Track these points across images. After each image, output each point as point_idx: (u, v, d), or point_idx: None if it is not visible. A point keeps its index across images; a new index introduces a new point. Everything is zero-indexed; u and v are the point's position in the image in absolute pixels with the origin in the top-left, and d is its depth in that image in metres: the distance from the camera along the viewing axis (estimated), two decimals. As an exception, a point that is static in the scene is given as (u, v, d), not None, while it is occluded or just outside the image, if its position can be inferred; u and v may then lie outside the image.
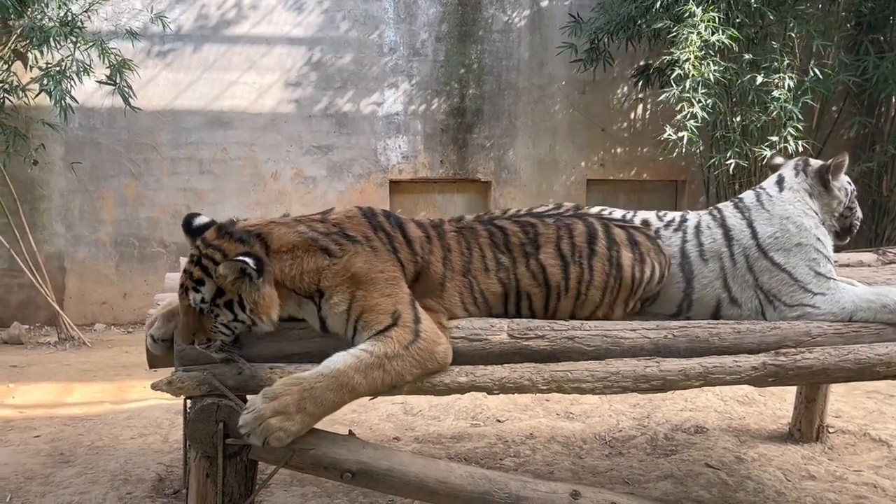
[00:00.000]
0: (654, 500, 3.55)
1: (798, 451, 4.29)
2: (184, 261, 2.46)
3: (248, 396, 2.31)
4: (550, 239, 2.83)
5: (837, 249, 3.26)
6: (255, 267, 2.29)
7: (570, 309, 2.82)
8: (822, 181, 3.13)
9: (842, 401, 5.07)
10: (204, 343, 2.36)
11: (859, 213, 3.29)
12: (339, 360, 2.32)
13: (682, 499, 3.67)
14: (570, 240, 2.83)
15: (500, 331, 2.63)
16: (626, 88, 9.10)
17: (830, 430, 4.49)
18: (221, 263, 2.31)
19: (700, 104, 6.89)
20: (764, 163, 7.26)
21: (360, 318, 2.43)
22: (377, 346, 2.37)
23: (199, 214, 2.52)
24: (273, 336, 2.49)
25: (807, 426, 4.41)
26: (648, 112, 9.10)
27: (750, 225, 3.05)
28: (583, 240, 2.84)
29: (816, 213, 3.09)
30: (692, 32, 6.80)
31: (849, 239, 3.29)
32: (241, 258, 2.29)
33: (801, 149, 6.94)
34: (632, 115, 9.21)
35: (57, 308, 7.70)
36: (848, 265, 3.81)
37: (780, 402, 5.04)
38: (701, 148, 7.80)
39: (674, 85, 7.07)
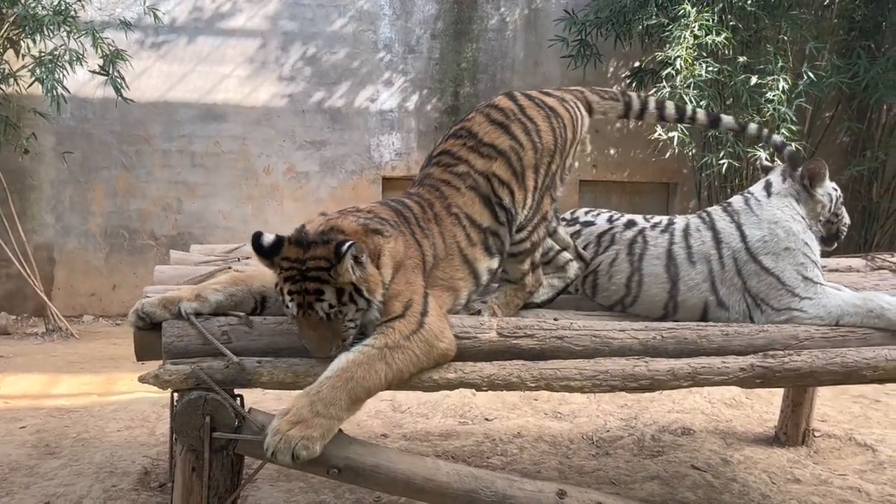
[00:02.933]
0: (640, 500, 3.56)
1: (784, 454, 4.32)
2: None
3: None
4: (482, 122, 2.98)
5: (826, 255, 3.28)
6: (356, 251, 2.33)
7: (532, 162, 2.92)
8: (805, 187, 3.15)
9: (828, 405, 5.10)
10: (341, 345, 2.39)
11: (847, 220, 3.28)
12: (341, 360, 2.35)
13: (667, 500, 3.69)
14: (497, 111, 3.00)
15: (489, 329, 2.63)
16: (619, 89, 9.11)
17: (816, 433, 4.52)
18: (338, 265, 2.31)
19: (692, 104, 6.90)
20: (756, 163, 7.30)
21: (387, 298, 2.47)
22: (378, 338, 2.41)
23: (262, 234, 2.41)
24: (261, 331, 2.49)
25: (793, 430, 4.44)
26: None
27: (739, 228, 3.07)
28: (508, 101, 3.03)
29: (804, 218, 3.10)
30: (685, 31, 6.82)
31: (836, 245, 3.30)
32: (349, 250, 2.31)
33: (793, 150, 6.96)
34: (625, 117, 9.22)
35: (45, 299, 7.66)
36: (837, 270, 3.82)
37: (767, 406, 5.06)
38: (693, 150, 7.83)
39: (665, 83, 7.09)
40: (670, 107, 3.42)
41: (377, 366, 2.36)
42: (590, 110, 3.28)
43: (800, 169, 3.18)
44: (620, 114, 3.39)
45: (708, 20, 6.85)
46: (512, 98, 3.06)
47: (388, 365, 2.38)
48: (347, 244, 2.29)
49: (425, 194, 2.88)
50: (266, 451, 2.22)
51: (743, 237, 3.04)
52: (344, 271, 2.32)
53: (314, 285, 2.33)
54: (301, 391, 2.34)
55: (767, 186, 3.21)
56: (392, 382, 2.41)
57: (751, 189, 3.27)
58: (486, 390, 2.55)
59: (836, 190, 3.23)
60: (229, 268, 3.37)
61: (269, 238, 2.39)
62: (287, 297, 2.36)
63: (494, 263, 2.92)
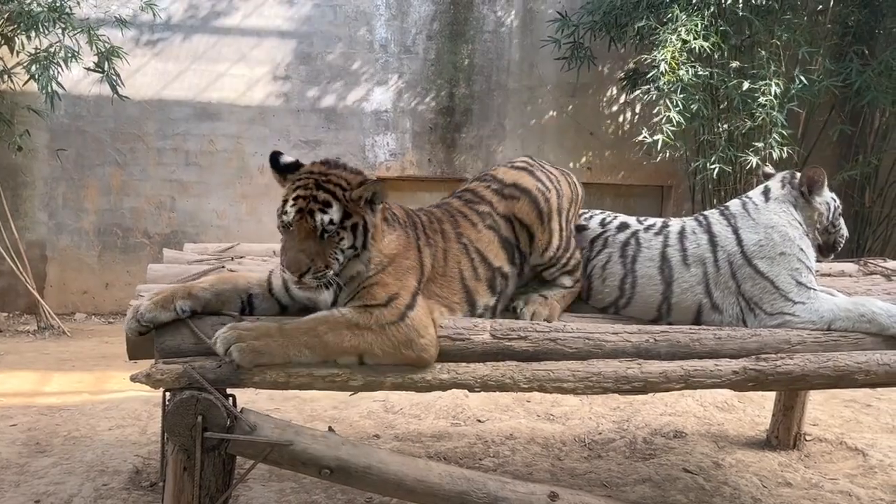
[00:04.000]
0: (631, 503, 3.57)
1: (775, 457, 4.33)
2: (292, 190, 2.45)
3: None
4: (507, 169, 3.11)
5: (819, 259, 3.30)
6: (379, 189, 2.43)
7: (556, 204, 2.99)
8: (803, 194, 3.17)
9: (819, 409, 5.11)
10: (320, 271, 2.36)
11: (844, 232, 3.30)
12: (315, 314, 2.46)
13: (659, 503, 3.69)
14: (521, 161, 3.17)
15: (482, 331, 2.64)
16: (614, 92, 9.12)
17: (807, 437, 4.53)
18: (365, 183, 2.40)
19: (678, 108, 6.91)
20: (748, 169, 7.33)
21: (367, 283, 2.50)
22: (353, 313, 2.45)
23: (280, 153, 2.56)
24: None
25: (784, 433, 4.45)
26: (637, 117, 9.12)
27: (735, 232, 3.08)
28: (529, 158, 3.22)
29: (801, 225, 3.12)
30: (672, 35, 6.83)
31: (832, 256, 3.33)
32: (375, 184, 2.40)
33: (785, 156, 7.00)
34: (620, 119, 9.24)
35: (37, 296, 7.63)
36: (829, 275, 3.84)
37: (759, 409, 5.07)
38: (686, 153, 7.84)
39: (651, 86, 7.11)
40: None
41: (342, 331, 2.40)
42: None
43: (799, 176, 3.20)
44: None
45: (696, 24, 6.86)
46: (531, 157, 3.23)
47: (353, 336, 2.41)
48: (374, 180, 2.43)
49: (438, 213, 2.93)
50: (216, 338, 2.32)
51: (739, 241, 3.06)
52: (358, 196, 2.39)
53: (325, 196, 2.38)
54: (279, 318, 2.47)
55: (766, 192, 3.23)
56: (357, 353, 2.43)
57: (749, 194, 3.30)
58: (479, 391, 2.55)
59: (834, 200, 3.25)
60: (222, 267, 3.36)
61: (287, 158, 2.53)
62: (290, 203, 2.39)
63: (492, 302, 2.93)
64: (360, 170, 2.54)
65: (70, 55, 7.01)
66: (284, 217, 2.39)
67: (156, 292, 2.57)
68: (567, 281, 3.11)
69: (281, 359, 2.36)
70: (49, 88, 6.86)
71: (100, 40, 7.17)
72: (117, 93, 7.27)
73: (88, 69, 7.36)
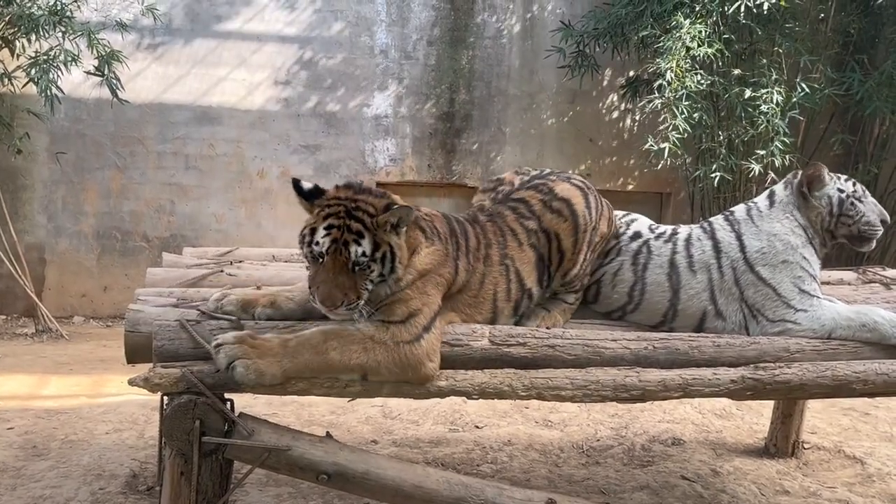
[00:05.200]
0: (629, 510, 3.56)
1: (773, 465, 4.32)
2: (324, 220, 2.36)
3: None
4: (563, 182, 3.09)
5: (822, 266, 3.26)
6: (405, 214, 2.38)
7: (589, 237, 3.01)
8: (801, 194, 3.14)
9: (818, 417, 5.11)
10: (353, 303, 2.33)
11: (869, 217, 3.17)
12: (326, 326, 2.41)
13: (657, 510, 3.69)
14: (578, 179, 3.15)
15: (481, 337, 2.63)
16: (614, 99, 9.14)
17: (806, 445, 4.52)
18: (391, 208, 2.35)
19: (683, 116, 6.93)
20: (749, 176, 7.33)
21: (390, 300, 2.47)
22: (370, 327, 2.42)
23: (300, 180, 2.48)
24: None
25: (783, 441, 4.44)
26: (637, 124, 9.14)
27: (739, 238, 3.09)
28: (585, 179, 3.20)
29: (805, 230, 3.10)
30: (677, 43, 6.85)
31: (867, 247, 3.22)
32: (400, 209, 2.34)
33: (787, 163, 7.01)
34: (620, 126, 9.25)
35: (35, 299, 7.62)
36: (829, 283, 3.84)
37: (758, 417, 5.07)
38: (688, 160, 7.85)
39: (657, 94, 7.13)
40: None
41: (352, 346, 2.37)
42: None
43: (794, 179, 3.19)
44: None
45: (700, 32, 6.88)
46: (585, 179, 3.23)
47: (364, 352, 2.38)
48: (400, 205, 2.38)
49: (490, 234, 2.89)
50: (216, 341, 2.29)
51: (742, 247, 3.06)
52: (384, 222, 2.34)
53: (357, 225, 2.32)
54: (280, 332, 2.41)
55: (771, 196, 3.23)
56: (362, 371, 2.41)
57: (755, 199, 3.29)
58: (476, 398, 2.55)
59: (841, 192, 3.16)
60: (221, 271, 3.36)
61: (307, 184, 2.44)
62: (322, 233, 2.32)
63: (511, 323, 2.93)
64: (384, 192, 2.49)
65: (70, 58, 7.01)
66: (316, 247, 2.33)
67: (246, 293, 2.63)
68: (570, 298, 3.13)
69: (282, 379, 2.35)
70: (49, 91, 6.87)
71: (100, 44, 7.18)
72: (117, 96, 7.27)
73: (88, 73, 7.36)
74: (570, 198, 2.99)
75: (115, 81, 7.25)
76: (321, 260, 2.32)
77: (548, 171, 3.28)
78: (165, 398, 2.41)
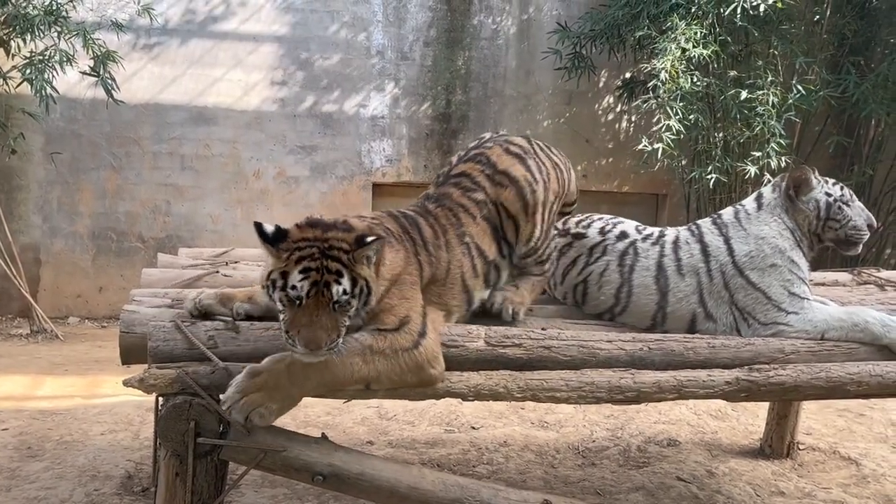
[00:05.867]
0: (624, 511, 3.56)
1: (768, 466, 4.33)
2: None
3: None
4: (500, 153, 3.05)
5: (813, 268, 3.28)
6: (378, 246, 2.32)
7: (542, 198, 2.99)
8: (789, 197, 3.13)
9: (813, 418, 5.12)
10: (334, 343, 2.23)
11: (856, 222, 3.14)
12: None
13: (652, 511, 3.69)
14: (515, 146, 3.10)
15: (476, 338, 2.63)
16: (610, 100, 9.15)
17: (801, 446, 4.53)
18: (361, 241, 2.27)
19: (678, 117, 6.94)
20: (745, 178, 7.35)
21: (374, 313, 2.44)
22: (367, 337, 2.39)
23: (262, 223, 2.30)
24: (247, 336, 2.48)
25: (778, 442, 4.45)
26: (633, 125, 9.16)
27: (727, 242, 3.09)
28: (525, 142, 3.16)
29: (793, 233, 3.10)
30: (672, 44, 6.86)
31: (853, 251, 3.20)
32: (374, 242, 2.27)
33: (783, 165, 7.02)
34: (616, 127, 9.27)
35: (30, 300, 7.60)
36: (823, 284, 3.85)
37: (753, 418, 5.07)
38: (683, 161, 7.86)
39: (651, 94, 7.14)
40: None
41: (353, 359, 2.35)
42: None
43: (782, 182, 3.18)
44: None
45: (696, 33, 6.90)
46: (529, 141, 3.19)
47: (365, 363, 2.37)
48: (372, 237, 2.28)
49: (442, 218, 2.88)
50: (224, 403, 2.24)
51: (730, 251, 3.06)
52: (361, 258, 2.28)
53: (335, 265, 2.23)
54: (275, 357, 2.31)
55: (759, 198, 3.22)
56: (365, 382, 2.40)
57: (743, 201, 3.29)
58: (472, 400, 2.55)
59: (829, 196, 3.14)
60: (217, 272, 3.36)
61: (269, 227, 2.28)
62: (298, 277, 2.20)
63: (486, 295, 2.96)
64: (348, 223, 2.38)
65: (65, 59, 7.00)
66: (293, 292, 2.21)
67: (225, 289, 2.65)
68: (537, 270, 3.12)
69: (296, 403, 2.37)
70: (44, 92, 6.85)
71: (95, 44, 7.17)
72: (112, 97, 7.26)
73: (84, 73, 7.35)
74: (507, 169, 2.98)
75: (110, 82, 7.24)
76: (298, 303, 2.22)
77: (486, 136, 3.28)
78: (160, 399, 2.40)
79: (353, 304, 2.30)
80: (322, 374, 2.31)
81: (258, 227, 2.26)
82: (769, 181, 3.54)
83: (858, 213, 3.17)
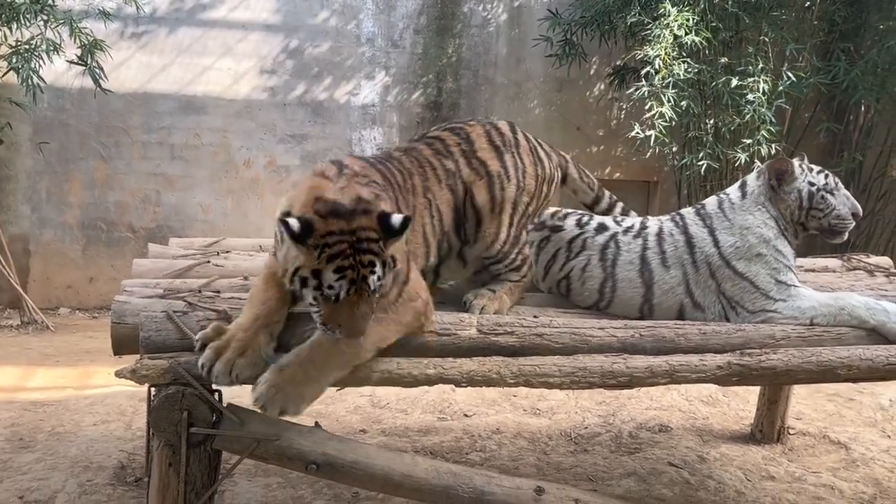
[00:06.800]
0: (617, 497, 3.58)
1: (759, 451, 4.37)
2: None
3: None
4: (481, 135, 3.00)
5: (802, 255, 3.28)
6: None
7: (512, 197, 2.95)
8: (773, 187, 3.12)
9: (803, 403, 5.16)
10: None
11: (839, 210, 3.13)
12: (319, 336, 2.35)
13: (644, 497, 3.71)
14: (498, 133, 3.04)
15: (469, 326, 2.64)
16: (602, 87, 9.14)
17: (791, 431, 4.57)
18: (395, 237, 2.22)
19: (670, 104, 6.94)
20: (735, 165, 7.36)
21: None
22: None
23: (288, 220, 2.16)
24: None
25: (768, 427, 4.49)
26: (624, 112, 9.15)
27: (712, 233, 3.08)
28: (508, 130, 3.09)
29: (778, 221, 3.09)
30: (665, 31, 6.85)
31: (838, 240, 3.19)
32: (406, 224, 2.23)
33: (773, 152, 7.04)
34: (607, 115, 9.26)
35: (20, 291, 7.56)
36: (813, 270, 3.87)
37: (744, 403, 5.11)
38: (674, 148, 7.87)
39: (644, 82, 7.14)
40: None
41: (371, 329, 2.34)
42: (563, 180, 3.36)
43: (766, 170, 3.15)
44: (586, 202, 3.51)
45: (688, 20, 6.89)
46: (513, 130, 3.11)
47: (381, 327, 2.39)
48: (402, 217, 2.23)
49: (408, 166, 2.82)
50: (257, 400, 2.25)
51: (715, 242, 3.05)
52: (397, 243, 2.25)
53: (369, 257, 2.18)
54: (295, 351, 2.32)
55: (743, 186, 3.20)
56: (376, 349, 2.42)
57: (727, 190, 3.27)
58: (465, 386, 2.55)
59: (812, 185, 3.12)
60: (208, 262, 3.35)
61: (295, 223, 2.14)
62: (333, 277, 2.15)
63: (435, 263, 2.91)
64: (363, 200, 2.26)
65: (52, 47, 6.93)
66: (330, 291, 2.16)
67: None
68: (514, 276, 3.08)
69: (323, 391, 2.37)
70: (31, 81, 6.79)
71: (82, 33, 7.10)
72: (100, 86, 7.20)
73: (71, 62, 7.28)
74: (485, 159, 2.94)
75: (98, 71, 7.17)
76: (335, 299, 2.19)
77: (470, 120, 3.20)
78: (153, 389, 2.40)
79: (386, 283, 2.31)
80: (340, 358, 2.33)
81: (285, 224, 2.14)
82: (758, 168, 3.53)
83: (843, 202, 3.15)
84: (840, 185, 3.20)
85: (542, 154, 3.16)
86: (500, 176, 2.93)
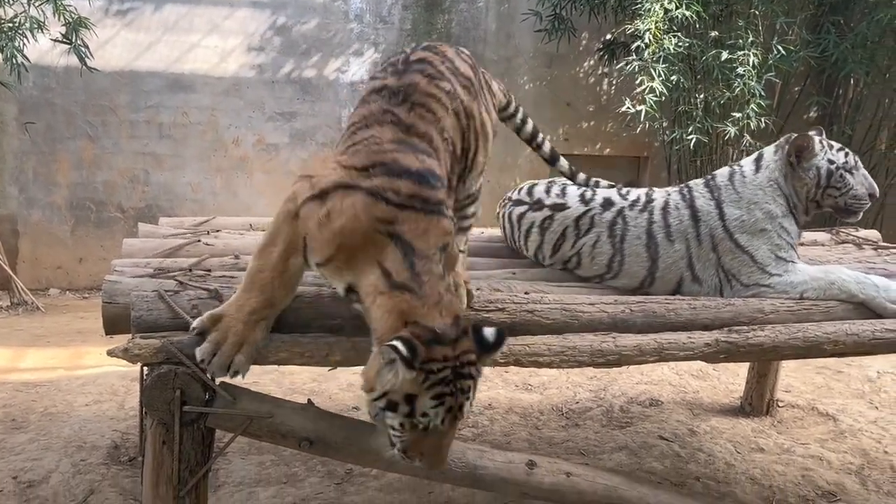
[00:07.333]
0: (608, 470, 3.62)
1: (748, 424, 4.41)
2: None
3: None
4: (454, 55, 2.66)
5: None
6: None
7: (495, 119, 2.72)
8: (791, 164, 3.08)
9: (792, 376, 5.21)
10: None
11: (856, 191, 3.08)
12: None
13: (635, 470, 3.75)
14: (466, 55, 2.74)
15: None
16: (592, 63, 9.10)
17: (780, 404, 4.62)
18: (494, 351, 2.10)
19: (660, 78, 6.92)
20: (725, 139, 7.37)
21: None
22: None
23: (399, 348, 1.89)
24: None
25: (758, 400, 4.53)
26: (614, 87, 9.12)
27: (718, 206, 3.07)
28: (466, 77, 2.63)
29: (789, 198, 3.07)
30: (655, 4, 6.82)
31: (853, 219, 3.16)
32: (503, 338, 2.10)
33: (762, 126, 7.05)
34: (597, 90, 9.23)
35: (9, 272, 7.53)
36: (802, 244, 3.88)
37: (733, 377, 5.15)
38: (664, 123, 7.86)
39: (634, 56, 7.12)
40: (528, 127, 3.35)
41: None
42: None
43: (787, 145, 3.10)
44: (501, 107, 3.16)
45: (678, -7, 6.85)
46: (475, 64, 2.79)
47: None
48: (498, 332, 2.07)
49: (420, 125, 2.36)
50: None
51: (721, 215, 3.05)
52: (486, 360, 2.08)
53: (468, 383, 2.02)
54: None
55: (758, 159, 3.15)
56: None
57: (742, 162, 3.22)
58: (456, 364, 2.56)
59: (831, 163, 3.07)
60: (198, 241, 3.33)
61: (403, 348, 1.88)
62: (430, 403, 1.95)
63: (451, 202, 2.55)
64: (456, 319, 2.05)
65: (36, 25, 6.84)
66: (423, 419, 1.97)
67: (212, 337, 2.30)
68: (468, 222, 2.82)
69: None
70: (15, 60, 6.71)
71: (66, 10, 7.01)
72: (86, 64, 7.12)
73: (56, 40, 7.19)
74: (469, 77, 2.62)
75: (83, 49, 7.09)
76: (423, 428, 1.99)
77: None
78: (145, 369, 2.40)
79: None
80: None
81: (397, 352, 1.87)
82: (749, 142, 3.52)
83: (861, 182, 3.11)
84: (860, 163, 3.14)
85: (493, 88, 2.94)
86: (486, 95, 2.70)
